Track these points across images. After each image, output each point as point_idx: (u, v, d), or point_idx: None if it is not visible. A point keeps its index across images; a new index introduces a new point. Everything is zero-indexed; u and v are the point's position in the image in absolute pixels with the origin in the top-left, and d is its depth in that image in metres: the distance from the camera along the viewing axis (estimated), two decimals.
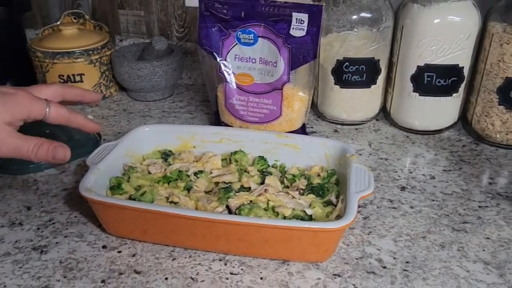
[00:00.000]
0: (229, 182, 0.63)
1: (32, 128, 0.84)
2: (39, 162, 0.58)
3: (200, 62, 0.79)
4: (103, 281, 0.52)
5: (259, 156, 0.68)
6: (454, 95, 0.81)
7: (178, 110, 0.94)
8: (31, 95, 0.53)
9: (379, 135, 0.85)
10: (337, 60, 0.81)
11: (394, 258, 0.56)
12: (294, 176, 0.65)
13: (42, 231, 0.60)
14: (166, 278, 0.53)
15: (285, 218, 0.56)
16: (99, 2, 1.12)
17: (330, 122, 0.89)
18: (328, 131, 0.86)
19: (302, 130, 0.78)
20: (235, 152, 0.68)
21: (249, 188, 0.62)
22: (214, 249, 0.56)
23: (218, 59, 0.75)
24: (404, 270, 0.54)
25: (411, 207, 0.65)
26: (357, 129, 0.87)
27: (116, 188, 0.61)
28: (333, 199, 0.60)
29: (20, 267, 0.54)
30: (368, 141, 0.83)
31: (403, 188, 0.69)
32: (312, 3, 0.70)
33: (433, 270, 0.54)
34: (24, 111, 0.52)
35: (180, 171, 0.66)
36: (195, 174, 0.65)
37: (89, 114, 0.92)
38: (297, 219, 0.56)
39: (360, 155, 0.78)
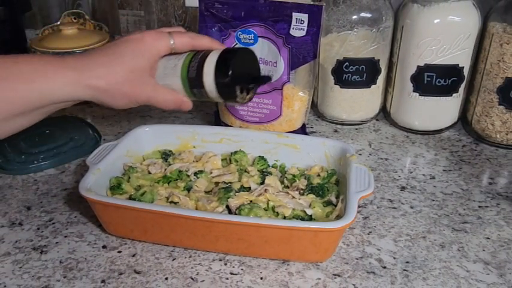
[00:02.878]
0: (229, 182, 0.63)
1: (32, 127, 0.84)
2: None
3: None
4: (103, 281, 0.52)
5: (259, 156, 0.68)
6: (454, 95, 0.81)
7: (178, 110, 0.94)
8: (154, 32, 0.56)
9: (379, 135, 0.85)
10: (337, 60, 0.81)
11: (394, 258, 0.56)
12: (294, 176, 0.65)
13: (42, 231, 0.60)
14: (166, 278, 0.53)
15: (285, 218, 0.56)
16: (99, 2, 1.12)
17: (330, 122, 0.89)
18: (328, 131, 0.86)
19: (302, 130, 0.78)
20: (235, 152, 0.68)
21: (249, 188, 0.62)
22: (214, 249, 0.56)
23: None
24: (404, 270, 0.54)
25: (411, 207, 0.65)
26: (357, 129, 0.87)
27: (116, 188, 0.61)
28: (333, 199, 0.60)
29: (20, 267, 0.54)
30: (368, 141, 0.83)
31: (403, 188, 0.69)
32: (312, 3, 0.70)
33: (433, 270, 0.54)
34: (154, 52, 0.55)
35: (180, 171, 0.66)
36: (195, 174, 0.65)
37: (89, 116, 0.93)
38: (297, 219, 0.56)
39: (360, 155, 0.78)
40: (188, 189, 0.63)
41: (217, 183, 0.64)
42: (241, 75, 0.56)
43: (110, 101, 0.55)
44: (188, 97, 0.59)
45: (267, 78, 0.63)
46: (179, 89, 0.58)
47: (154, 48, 0.55)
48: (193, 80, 0.56)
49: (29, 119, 0.53)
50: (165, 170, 0.67)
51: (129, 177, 0.63)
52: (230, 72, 0.54)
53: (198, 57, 0.56)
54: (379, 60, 0.82)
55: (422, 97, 0.81)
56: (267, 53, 0.73)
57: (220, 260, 0.55)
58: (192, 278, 0.53)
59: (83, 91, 0.52)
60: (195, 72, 0.56)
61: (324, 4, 0.69)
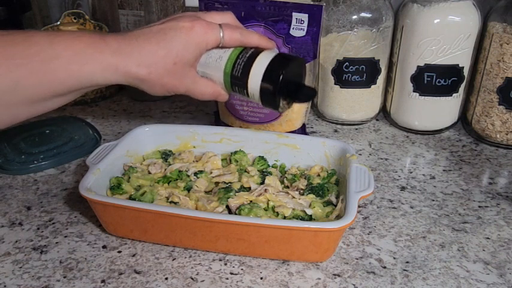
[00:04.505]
0: (229, 182, 0.63)
1: (32, 127, 0.84)
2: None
3: None
4: (103, 281, 0.52)
5: (259, 156, 0.68)
6: (454, 95, 0.81)
7: (178, 110, 0.94)
8: (206, 23, 0.53)
9: (379, 135, 0.85)
10: (337, 60, 0.81)
11: (394, 258, 0.56)
12: (294, 176, 0.65)
13: (42, 231, 0.60)
14: (166, 278, 0.53)
15: (285, 218, 0.56)
16: (99, 2, 1.12)
17: (330, 122, 0.89)
18: (328, 131, 0.86)
19: (302, 130, 0.78)
20: (235, 152, 0.68)
21: (249, 188, 0.62)
22: (214, 249, 0.56)
23: None
24: (404, 270, 0.54)
25: (411, 207, 0.65)
26: (357, 129, 0.87)
27: (116, 188, 0.61)
28: (333, 199, 0.60)
29: (20, 267, 0.54)
30: (368, 141, 0.83)
31: (403, 188, 0.69)
32: (312, 3, 0.70)
33: (433, 270, 0.54)
34: (202, 46, 0.53)
35: (180, 171, 0.66)
36: (195, 174, 0.65)
37: (89, 115, 0.93)
38: (297, 219, 0.56)
39: (360, 155, 0.78)
40: (188, 189, 0.63)
41: (217, 183, 0.64)
42: (289, 86, 0.53)
43: (147, 88, 0.53)
44: (226, 91, 0.57)
45: (314, 92, 0.59)
46: (219, 82, 0.55)
47: (203, 42, 0.52)
48: (236, 79, 0.54)
49: (66, 99, 0.52)
50: (165, 170, 0.67)
51: (129, 177, 0.63)
52: (279, 83, 0.51)
53: (246, 56, 0.54)
54: (379, 60, 0.82)
55: (422, 97, 0.81)
56: None
57: (220, 260, 0.55)
58: (192, 278, 0.53)
59: (122, 77, 0.50)
60: (240, 71, 0.53)
61: (324, 4, 0.69)
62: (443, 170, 0.74)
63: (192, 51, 0.52)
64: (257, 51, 0.54)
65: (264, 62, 0.53)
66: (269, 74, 0.52)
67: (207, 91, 0.56)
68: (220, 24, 0.54)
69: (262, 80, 0.52)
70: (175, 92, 0.55)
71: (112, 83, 0.51)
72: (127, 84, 0.52)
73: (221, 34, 0.53)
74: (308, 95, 0.58)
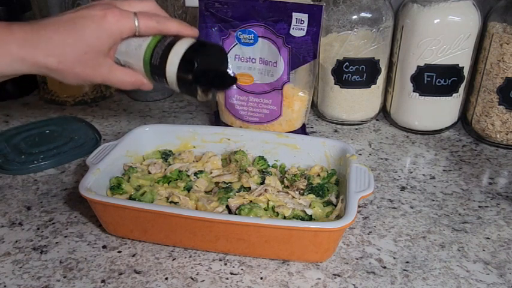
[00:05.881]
0: (229, 182, 0.63)
1: (32, 127, 0.84)
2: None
3: None
4: (103, 281, 0.52)
5: (259, 156, 0.68)
6: (454, 95, 0.81)
7: (178, 110, 0.94)
8: (119, 11, 0.51)
9: (379, 135, 0.85)
10: (337, 60, 0.81)
11: (394, 258, 0.56)
12: (294, 176, 0.65)
13: (42, 231, 0.60)
14: (166, 278, 0.53)
15: (285, 218, 0.56)
16: None
17: (330, 122, 0.89)
18: (328, 131, 0.86)
19: (302, 130, 0.78)
20: (235, 152, 0.68)
21: (249, 188, 0.62)
22: (214, 249, 0.56)
23: None
24: (404, 270, 0.54)
25: (411, 207, 0.65)
26: (357, 129, 0.87)
27: (116, 188, 0.61)
28: (333, 199, 0.60)
29: (20, 267, 0.54)
30: (368, 141, 0.83)
31: (403, 188, 0.69)
32: (312, 3, 0.70)
33: (433, 270, 0.54)
34: (116, 35, 0.51)
35: (180, 171, 0.66)
36: (195, 174, 0.65)
37: (89, 116, 0.93)
38: (297, 219, 0.56)
39: (360, 155, 0.78)
40: (188, 189, 0.63)
41: (217, 183, 0.64)
42: (207, 74, 0.53)
43: (61, 78, 0.52)
44: (148, 79, 0.56)
45: (233, 81, 0.59)
46: (140, 70, 0.55)
47: (117, 30, 0.51)
48: (155, 67, 0.53)
49: None
50: (165, 170, 0.67)
51: (129, 177, 0.63)
52: (194, 71, 0.51)
53: (164, 44, 0.53)
54: (379, 60, 0.82)
55: (422, 97, 0.81)
56: (267, 53, 0.73)
57: (220, 260, 0.55)
58: (192, 278, 0.53)
59: (31, 68, 0.49)
60: (158, 60, 0.53)
61: (324, 4, 0.69)
62: (443, 170, 0.74)
63: (105, 40, 0.51)
64: (176, 39, 0.53)
65: (181, 50, 0.52)
66: (185, 63, 0.52)
67: (127, 80, 0.54)
68: (135, 13, 0.52)
69: (179, 69, 0.52)
70: (92, 82, 0.53)
71: (24, 73, 0.50)
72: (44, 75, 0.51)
73: (136, 22, 0.52)
74: (227, 83, 0.58)
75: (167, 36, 0.54)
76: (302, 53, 0.71)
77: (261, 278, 0.53)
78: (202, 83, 0.53)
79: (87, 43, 0.50)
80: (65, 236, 0.59)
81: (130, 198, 0.60)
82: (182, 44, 0.52)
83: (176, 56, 0.52)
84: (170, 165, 0.67)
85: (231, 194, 0.59)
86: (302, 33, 0.70)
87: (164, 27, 0.54)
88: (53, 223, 0.62)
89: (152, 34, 0.54)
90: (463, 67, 0.78)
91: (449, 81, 0.79)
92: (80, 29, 0.49)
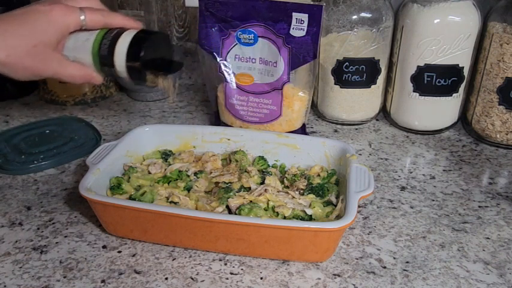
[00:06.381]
0: (229, 182, 0.63)
1: (32, 127, 0.84)
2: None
3: (200, 62, 0.79)
4: (103, 281, 0.52)
5: (259, 156, 0.68)
6: (454, 95, 0.81)
7: (178, 110, 0.94)
8: (65, 6, 0.53)
9: (379, 135, 0.85)
10: (337, 60, 0.81)
11: (394, 258, 0.56)
12: (294, 176, 0.65)
13: (42, 231, 0.60)
14: (166, 278, 0.53)
15: (285, 218, 0.56)
16: None
17: (330, 122, 0.89)
18: (328, 131, 0.86)
19: (302, 130, 0.78)
20: (235, 152, 0.68)
21: (249, 188, 0.62)
22: (214, 249, 0.56)
23: (218, 59, 0.75)
24: (404, 270, 0.54)
25: (411, 207, 0.65)
26: (357, 129, 0.87)
27: (116, 188, 0.61)
28: (333, 199, 0.60)
29: (20, 267, 0.54)
30: (368, 141, 0.83)
31: (403, 188, 0.69)
32: (312, 3, 0.70)
33: (433, 270, 0.54)
34: (63, 29, 0.53)
35: (180, 171, 0.66)
36: (195, 174, 0.65)
37: (89, 116, 0.93)
38: (297, 219, 0.56)
39: (360, 155, 0.78)
40: (188, 189, 0.63)
41: (217, 183, 0.64)
42: (153, 60, 0.56)
43: (10, 73, 0.52)
44: (98, 72, 0.57)
45: (179, 65, 0.62)
46: (89, 64, 0.56)
47: (63, 23, 0.53)
48: (104, 58, 0.55)
49: None
50: (165, 170, 0.67)
51: (129, 177, 0.63)
52: (141, 56, 0.53)
53: (111, 35, 0.55)
54: (379, 60, 0.82)
55: (422, 97, 0.81)
56: (267, 53, 0.73)
57: (220, 260, 0.55)
58: (192, 278, 0.53)
59: None
60: (106, 50, 0.55)
61: (324, 4, 0.69)
62: (443, 170, 0.74)
63: (52, 33, 0.52)
64: (122, 30, 0.56)
65: (127, 39, 0.54)
66: (132, 50, 0.54)
67: (77, 73, 0.56)
68: (81, 8, 0.54)
69: (127, 57, 0.54)
70: (42, 76, 0.54)
71: None
72: None
73: (82, 16, 0.54)
74: (174, 67, 0.61)
75: (114, 29, 0.56)
76: (302, 53, 0.71)
77: (261, 278, 0.53)
78: (150, 69, 0.56)
79: (36, 36, 0.51)
80: (65, 236, 0.59)
81: (131, 198, 0.60)
82: (128, 34, 0.55)
83: (123, 45, 0.54)
84: (170, 165, 0.67)
85: (231, 194, 0.59)
86: (302, 33, 0.70)
87: (110, 20, 0.56)
88: (53, 223, 0.62)
89: (99, 27, 0.56)
90: (463, 67, 0.78)
91: (449, 81, 0.79)
92: (30, 22, 0.51)
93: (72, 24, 0.53)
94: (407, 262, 0.55)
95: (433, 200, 0.66)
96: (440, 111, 0.82)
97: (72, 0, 0.55)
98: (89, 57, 0.56)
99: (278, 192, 0.61)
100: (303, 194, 0.61)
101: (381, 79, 0.84)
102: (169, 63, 0.60)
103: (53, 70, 0.54)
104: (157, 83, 0.58)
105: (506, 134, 0.78)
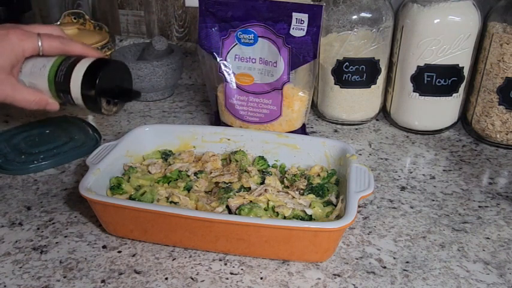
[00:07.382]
0: (229, 182, 0.63)
1: (32, 127, 0.84)
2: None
3: (200, 62, 0.79)
4: (103, 281, 0.52)
5: (259, 156, 0.68)
6: (454, 95, 0.81)
7: (178, 110, 0.94)
8: (22, 31, 0.53)
9: (379, 135, 0.85)
10: (337, 60, 0.81)
11: (394, 258, 0.56)
12: (294, 176, 0.65)
13: (42, 231, 0.60)
14: (166, 278, 0.53)
15: (285, 218, 0.56)
16: (99, 2, 1.12)
17: (330, 122, 0.89)
18: (328, 131, 0.86)
19: (302, 130, 0.78)
20: (235, 152, 0.68)
21: (249, 188, 0.62)
22: (214, 249, 0.56)
23: (218, 59, 0.75)
24: (404, 270, 0.54)
25: (411, 207, 0.65)
26: (357, 129, 0.87)
27: (116, 188, 0.61)
28: (333, 199, 0.60)
29: (20, 267, 0.54)
30: (368, 141, 0.83)
31: (403, 188, 0.69)
32: (312, 3, 0.70)
33: (433, 270, 0.54)
34: (19, 53, 0.53)
35: (180, 171, 0.66)
36: (195, 174, 0.65)
37: (89, 115, 0.93)
38: (297, 219, 0.56)
39: (360, 155, 0.78)
40: (188, 189, 0.63)
41: (217, 183, 0.64)
42: (110, 88, 0.56)
43: None
44: (54, 99, 0.58)
45: (136, 95, 0.62)
46: (45, 90, 0.57)
47: (19, 48, 0.53)
48: (60, 85, 0.56)
49: None
50: (165, 170, 0.67)
51: (129, 177, 0.63)
52: (96, 85, 0.54)
53: (68, 62, 0.56)
54: (379, 60, 0.82)
55: (422, 97, 0.81)
56: (267, 53, 0.73)
57: (220, 260, 0.55)
58: (192, 278, 0.53)
59: None
60: (62, 77, 0.55)
61: (324, 4, 0.69)
62: (443, 170, 0.74)
63: (6, 57, 0.52)
64: (79, 58, 0.56)
65: (83, 67, 0.55)
66: (87, 79, 0.54)
67: (31, 98, 0.56)
68: (39, 34, 0.54)
69: (82, 84, 0.55)
70: None
71: None
72: None
73: (39, 42, 0.54)
74: (129, 96, 0.61)
75: (71, 56, 0.57)
76: (302, 53, 0.71)
77: (261, 278, 0.53)
78: (105, 97, 0.56)
79: None
80: (65, 236, 0.59)
81: (131, 198, 0.60)
82: (85, 62, 0.56)
83: (79, 72, 0.55)
84: (170, 165, 0.67)
85: (231, 194, 0.59)
86: (302, 33, 0.70)
87: (68, 48, 0.56)
88: (53, 223, 0.62)
89: (56, 54, 0.56)
90: (463, 67, 0.78)
91: (449, 81, 0.79)
92: None
93: (29, 49, 0.53)
94: (407, 262, 0.55)
95: (433, 200, 0.66)
96: (440, 111, 0.82)
97: (31, 26, 0.56)
98: (45, 83, 0.56)
99: (278, 192, 0.61)
100: (303, 194, 0.61)
101: (381, 79, 0.84)
102: (126, 92, 0.60)
103: (5, 94, 0.54)
104: (113, 111, 0.59)
105: (506, 134, 0.78)
